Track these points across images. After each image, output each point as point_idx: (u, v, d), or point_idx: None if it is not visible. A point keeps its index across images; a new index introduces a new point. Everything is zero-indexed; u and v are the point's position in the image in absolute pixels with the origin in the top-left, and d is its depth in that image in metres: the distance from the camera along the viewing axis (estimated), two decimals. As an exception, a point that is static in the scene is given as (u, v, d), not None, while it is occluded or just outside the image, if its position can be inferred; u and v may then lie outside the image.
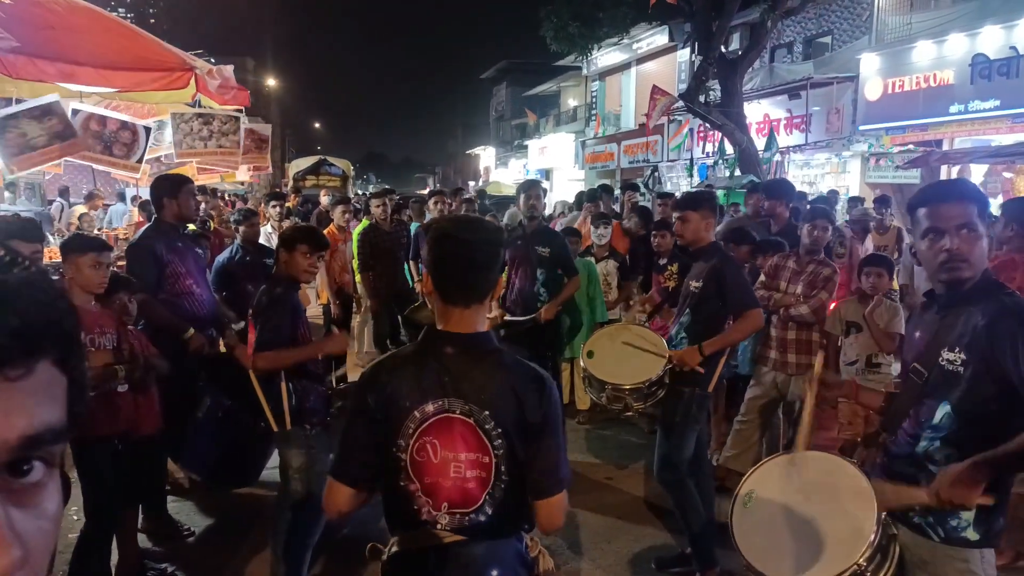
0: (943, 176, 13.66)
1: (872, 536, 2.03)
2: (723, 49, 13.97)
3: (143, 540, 3.98)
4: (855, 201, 9.58)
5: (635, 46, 24.41)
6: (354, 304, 7.25)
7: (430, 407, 1.76)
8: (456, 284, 1.82)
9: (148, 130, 6.37)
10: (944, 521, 2.08)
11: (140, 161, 6.49)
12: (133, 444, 3.53)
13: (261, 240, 6.58)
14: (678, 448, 3.66)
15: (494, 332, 2.05)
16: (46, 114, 5.18)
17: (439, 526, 1.77)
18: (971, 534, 2.05)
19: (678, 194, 17.56)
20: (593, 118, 29.01)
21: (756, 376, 4.70)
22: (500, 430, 1.74)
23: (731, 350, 4.04)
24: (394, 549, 1.85)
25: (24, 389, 0.51)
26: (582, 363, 3.88)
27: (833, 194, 8.19)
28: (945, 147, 13.36)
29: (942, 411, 2.06)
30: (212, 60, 6.71)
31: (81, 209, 11.32)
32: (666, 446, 3.69)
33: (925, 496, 2.01)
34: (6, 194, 11.98)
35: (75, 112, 6.20)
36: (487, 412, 1.74)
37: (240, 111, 7.43)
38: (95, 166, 7.35)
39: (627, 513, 4.49)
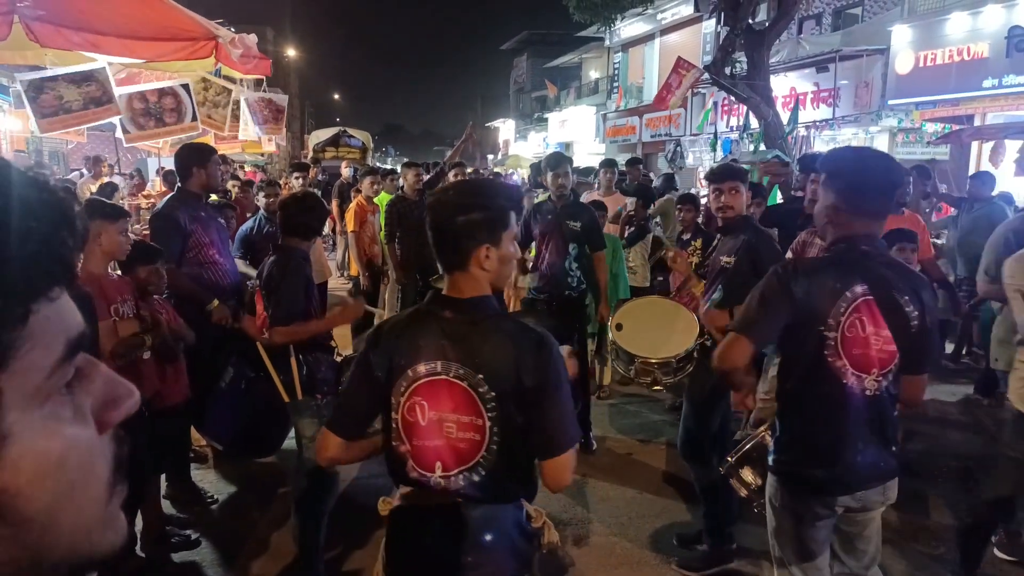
0: (974, 153, 13.37)
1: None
2: (750, 20, 13.65)
3: (167, 507, 4.03)
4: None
5: (659, 16, 23.97)
6: (383, 276, 7.26)
7: (422, 368, 1.78)
8: (436, 250, 1.84)
9: (186, 87, 6.31)
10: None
11: (195, 119, 6.45)
12: (159, 412, 3.55)
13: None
14: (704, 424, 3.62)
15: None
16: (86, 79, 5.17)
17: (432, 486, 1.80)
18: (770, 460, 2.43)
19: (701, 169, 17.34)
20: (615, 91, 28.63)
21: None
22: (494, 393, 1.74)
23: None
24: (396, 503, 1.90)
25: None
26: (610, 335, 3.84)
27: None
28: (976, 123, 13.02)
29: None
30: (232, 29, 6.65)
31: (90, 183, 11.29)
32: (692, 421, 3.66)
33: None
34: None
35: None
36: (481, 375, 1.75)
37: (262, 81, 7.38)
38: (155, 141, 7.44)
39: (649, 488, 4.47)
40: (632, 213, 6.63)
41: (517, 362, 1.74)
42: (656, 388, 3.86)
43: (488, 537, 1.79)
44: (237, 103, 7.57)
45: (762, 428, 2.73)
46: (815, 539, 2.35)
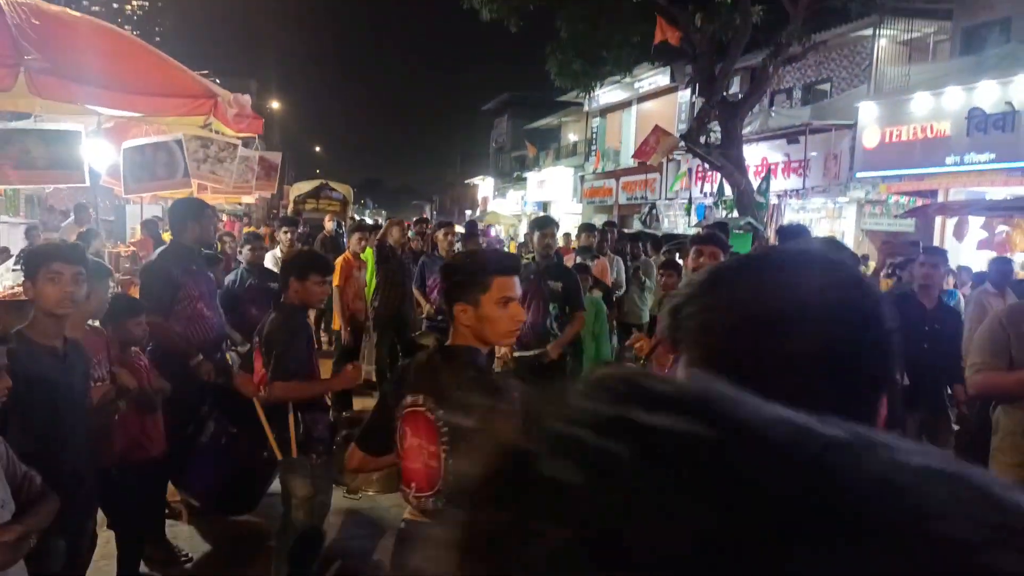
0: (938, 227, 13.85)
1: None
2: (724, 92, 14.19)
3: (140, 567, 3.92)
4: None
5: (636, 85, 24.76)
6: (365, 332, 7.26)
7: (409, 399, 2.10)
8: None
9: (180, 143, 6.36)
10: None
11: (187, 175, 6.44)
12: (137, 464, 3.49)
13: (269, 264, 6.61)
14: None
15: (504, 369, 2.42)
16: (58, 141, 5.17)
17: (412, 503, 2.10)
18: None
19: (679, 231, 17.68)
20: (593, 153, 29.30)
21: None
22: (447, 429, 2.01)
23: None
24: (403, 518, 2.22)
25: None
26: None
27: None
28: (940, 197, 13.53)
29: None
30: (216, 81, 6.77)
31: (73, 227, 11.21)
32: None
33: None
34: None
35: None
36: (441, 411, 2.03)
37: (253, 139, 7.48)
38: (153, 194, 7.54)
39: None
40: None
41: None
42: None
43: None
44: (246, 159, 7.69)
45: None
46: None
